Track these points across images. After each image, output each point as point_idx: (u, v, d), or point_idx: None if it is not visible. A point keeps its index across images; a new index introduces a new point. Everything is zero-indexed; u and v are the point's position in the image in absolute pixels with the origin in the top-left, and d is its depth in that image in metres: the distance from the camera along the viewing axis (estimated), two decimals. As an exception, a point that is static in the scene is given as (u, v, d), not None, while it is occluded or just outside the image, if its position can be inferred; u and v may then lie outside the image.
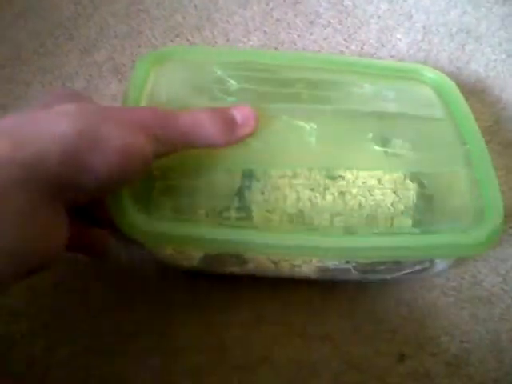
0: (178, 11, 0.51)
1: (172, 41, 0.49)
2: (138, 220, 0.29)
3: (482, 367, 0.34)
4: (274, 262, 0.34)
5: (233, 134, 0.31)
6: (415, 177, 0.37)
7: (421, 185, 0.37)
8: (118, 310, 0.36)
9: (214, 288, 0.36)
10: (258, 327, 0.35)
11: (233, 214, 0.34)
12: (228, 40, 0.50)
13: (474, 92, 0.48)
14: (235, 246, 0.31)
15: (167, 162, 0.31)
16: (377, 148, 0.37)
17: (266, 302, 0.36)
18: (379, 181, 0.37)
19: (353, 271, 0.34)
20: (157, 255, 0.35)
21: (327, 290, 0.36)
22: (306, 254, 0.32)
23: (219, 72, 0.37)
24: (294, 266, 0.34)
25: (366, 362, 0.35)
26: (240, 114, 0.32)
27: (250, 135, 0.33)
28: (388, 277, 0.36)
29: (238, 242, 0.31)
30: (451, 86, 0.40)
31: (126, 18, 0.51)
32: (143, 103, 0.34)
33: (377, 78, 0.40)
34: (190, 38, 0.50)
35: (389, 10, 0.53)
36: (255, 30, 0.51)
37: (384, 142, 0.38)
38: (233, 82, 0.37)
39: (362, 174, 0.36)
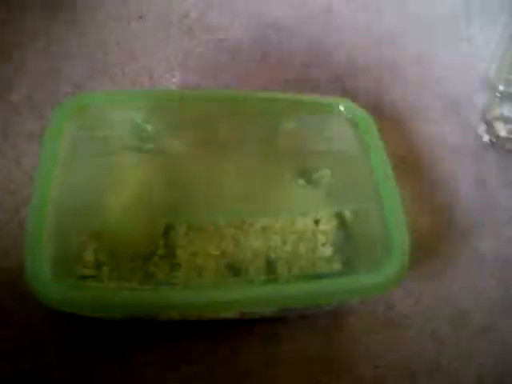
0: (100, 48, 0.52)
1: (93, 78, 0.49)
2: (52, 291, 0.28)
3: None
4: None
5: None
6: (336, 214, 0.39)
7: (341, 221, 0.39)
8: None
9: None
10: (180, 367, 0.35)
11: (157, 259, 0.35)
12: (151, 77, 0.50)
13: (389, 122, 0.50)
14: (146, 308, 0.30)
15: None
16: (299, 189, 0.40)
17: (183, 341, 0.35)
18: (301, 220, 0.38)
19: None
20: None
21: (243, 326, 0.36)
22: (225, 308, 0.31)
23: (136, 118, 0.38)
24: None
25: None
26: None
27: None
28: (308, 312, 0.37)
29: (150, 304, 0.30)
30: (367, 119, 0.41)
31: (45, 55, 0.50)
32: (59, 159, 0.33)
33: (298, 113, 0.41)
34: (111, 74, 0.50)
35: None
36: (178, 66, 0.52)
37: (307, 181, 0.41)
38: (149, 127, 0.38)
39: (283, 216, 0.38)
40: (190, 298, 0.30)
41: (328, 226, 0.38)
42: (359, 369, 0.36)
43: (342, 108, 0.41)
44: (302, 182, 0.41)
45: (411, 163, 0.47)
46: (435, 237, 0.43)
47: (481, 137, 0.50)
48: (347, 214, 0.39)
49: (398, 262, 0.32)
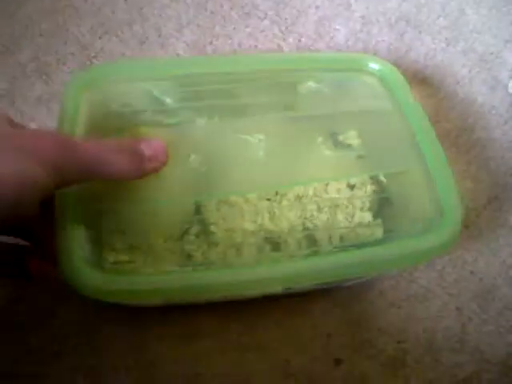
0: (107, 5, 0.49)
1: (100, 37, 0.47)
2: (89, 278, 0.27)
3: (418, 367, 0.34)
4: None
5: (139, 169, 0.30)
6: (371, 178, 0.37)
7: (378, 185, 0.37)
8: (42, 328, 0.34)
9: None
10: (192, 342, 0.34)
11: (192, 237, 0.34)
12: (160, 35, 0.48)
13: (414, 82, 0.47)
14: (194, 292, 0.29)
15: (115, 193, 0.30)
16: (328, 153, 0.37)
17: (201, 316, 0.35)
18: (334, 186, 0.36)
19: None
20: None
21: (260, 302, 0.35)
22: (271, 284, 0.30)
23: (154, 91, 0.36)
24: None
25: (302, 369, 0.34)
26: (149, 148, 0.30)
27: (159, 170, 0.31)
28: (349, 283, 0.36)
29: (197, 286, 0.28)
30: (397, 76, 0.38)
31: (51, 15, 0.48)
32: (77, 134, 0.32)
33: (322, 73, 0.38)
34: (119, 33, 0.48)
35: (327, -1, 0.52)
36: (188, 24, 0.49)
37: (335, 144, 0.38)
38: (169, 100, 0.36)
39: (316, 184, 0.36)
40: (233, 278, 0.28)
41: (363, 190, 0.36)
42: (379, 344, 0.35)
43: (369, 64, 0.39)
44: (330, 145, 0.38)
45: (436, 125, 0.45)
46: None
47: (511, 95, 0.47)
48: (383, 177, 0.37)
49: (452, 224, 0.30)
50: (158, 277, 0.29)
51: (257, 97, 0.37)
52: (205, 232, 0.34)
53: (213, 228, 0.34)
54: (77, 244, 0.27)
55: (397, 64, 0.47)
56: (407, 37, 0.50)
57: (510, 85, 0.47)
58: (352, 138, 0.39)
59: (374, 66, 0.39)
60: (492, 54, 0.49)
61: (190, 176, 0.33)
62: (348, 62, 0.39)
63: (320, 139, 0.38)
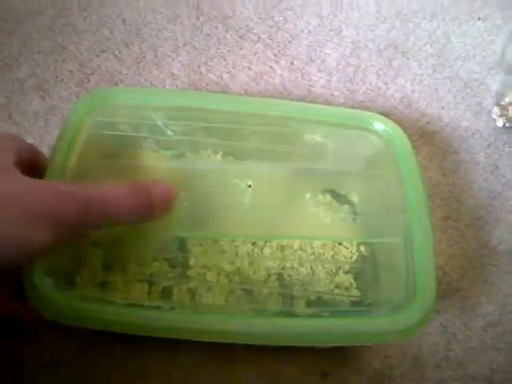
0: (106, 25, 0.50)
1: (98, 56, 0.48)
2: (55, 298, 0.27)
3: (404, 382, 0.35)
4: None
5: (148, 215, 0.29)
6: (359, 240, 0.37)
7: (365, 249, 0.37)
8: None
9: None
10: (182, 353, 0.34)
11: (166, 267, 0.34)
12: (156, 55, 0.49)
13: (401, 106, 0.49)
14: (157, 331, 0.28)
15: None
16: (314, 210, 0.37)
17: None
18: (321, 241, 0.37)
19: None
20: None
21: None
22: (234, 339, 0.29)
23: (158, 121, 0.36)
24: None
25: (290, 381, 0.34)
26: (157, 192, 0.30)
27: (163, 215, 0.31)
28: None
29: (161, 327, 0.28)
30: (403, 140, 0.37)
31: (50, 33, 0.49)
32: (75, 154, 0.32)
33: (326, 127, 0.38)
34: (117, 53, 0.49)
35: (319, 25, 0.54)
36: (184, 45, 0.50)
37: (327, 202, 0.38)
38: (170, 132, 0.36)
39: (302, 236, 0.36)
40: (190, 323, 0.28)
41: (350, 252, 0.36)
42: (366, 358, 0.35)
43: (376, 124, 0.38)
44: (326, 202, 0.38)
45: (421, 147, 0.46)
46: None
47: (495, 120, 0.48)
48: (372, 244, 0.37)
49: (420, 312, 0.29)
50: (108, 307, 0.28)
51: (260, 141, 0.37)
52: (182, 264, 0.34)
53: (191, 262, 0.34)
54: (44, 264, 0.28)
55: (385, 89, 0.49)
56: (395, 63, 0.52)
57: (493, 110, 0.48)
58: (349, 199, 0.39)
59: (380, 126, 0.38)
60: (476, 80, 0.51)
61: (177, 206, 0.32)
62: (356, 120, 0.38)
63: (316, 193, 0.38)
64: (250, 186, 0.35)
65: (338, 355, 0.35)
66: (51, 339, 0.34)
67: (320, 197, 0.38)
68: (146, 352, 0.34)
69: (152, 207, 0.29)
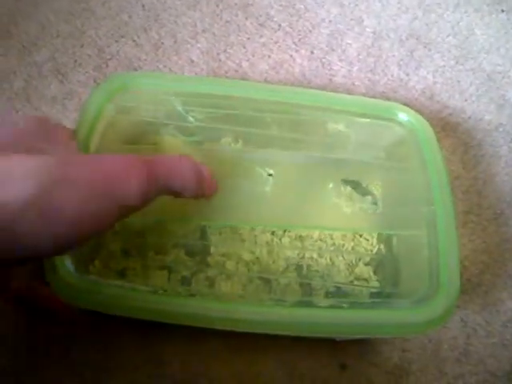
0: (125, 10, 0.50)
1: (117, 41, 0.48)
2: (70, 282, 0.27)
3: (423, 377, 0.34)
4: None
5: (201, 188, 0.29)
6: (380, 232, 0.36)
7: (385, 242, 0.36)
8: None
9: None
10: (198, 341, 0.34)
11: (184, 256, 0.34)
12: (175, 42, 0.49)
13: (423, 98, 0.48)
14: (176, 318, 0.28)
15: None
16: (336, 201, 0.37)
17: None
18: (341, 233, 0.36)
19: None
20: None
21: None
22: (253, 328, 0.28)
23: (178, 107, 0.35)
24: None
25: (308, 372, 0.34)
26: (207, 172, 0.29)
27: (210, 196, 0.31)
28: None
29: (181, 314, 0.28)
30: (428, 130, 0.36)
31: (68, 17, 0.49)
32: (95, 139, 0.31)
33: (348, 116, 0.37)
34: (135, 38, 0.48)
35: (340, 14, 0.53)
36: (203, 32, 0.50)
37: (346, 193, 0.37)
38: (191, 118, 0.35)
39: (322, 226, 0.35)
40: (210, 311, 0.28)
41: (370, 244, 0.36)
42: (384, 352, 0.35)
43: (400, 115, 0.37)
44: (348, 193, 0.37)
45: (443, 140, 0.45)
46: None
47: (518, 115, 0.47)
48: (393, 236, 0.36)
49: (444, 305, 0.29)
50: (128, 292, 0.28)
51: (281, 129, 0.36)
52: (201, 252, 0.34)
53: (211, 250, 0.34)
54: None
55: (407, 80, 0.48)
56: (417, 54, 0.51)
57: (516, 104, 0.48)
58: (371, 189, 0.38)
59: (404, 116, 0.37)
60: (500, 73, 0.50)
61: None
62: (379, 110, 0.37)
63: (338, 184, 0.37)
64: (270, 175, 0.35)
65: (356, 348, 0.35)
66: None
67: (342, 187, 0.37)
68: (162, 339, 0.34)
69: (205, 185, 0.29)
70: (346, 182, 0.38)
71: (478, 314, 0.37)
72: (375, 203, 0.37)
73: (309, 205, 0.36)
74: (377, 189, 0.38)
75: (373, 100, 0.39)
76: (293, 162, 0.36)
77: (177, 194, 0.28)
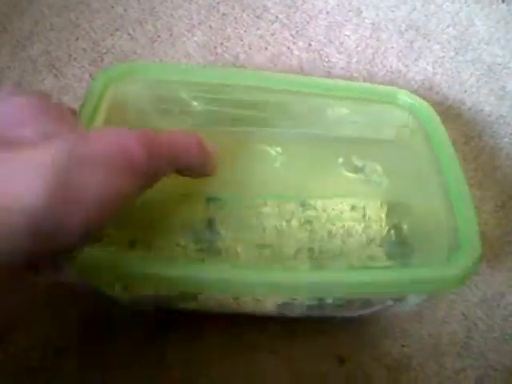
0: (119, 3, 0.49)
1: (112, 34, 0.47)
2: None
3: (422, 372, 0.34)
4: (235, 298, 0.30)
5: (211, 165, 0.28)
6: (388, 206, 0.36)
7: (394, 215, 0.36)
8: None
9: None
10: (199, 340, 0.34)
11: (192, 245, 0.32)
12: (171, 35, 0.48)
13: (422, 89, 0.47)
14: (190, 284, 0.26)
15: None
16: (347, 174, 0.36)
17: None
18: (350, 208, 0.35)
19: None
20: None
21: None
22: (269, 290, 0.27)
23: (182, 93, 0.35)
24: (258, 300, 0.30)
25: (306, 365, 0.34)
26: (212, 147, 0.28)
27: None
28: (355, 314, 0.34)
29: (194, 280, 0.26)
30: (428, 110, 0.37)
31: (62, 10, 0.48)
32: (98, 123, 0.30)
33: (350, 101, 0.37)
34: (131, 31, 0.48)
35: (338, 5, 0.52)
36: (200, 25, 0.49)
37: (355, 167, 0.37)
38: (195, 103, 0.35)
39: (331, 202, 0.35)
40: (226, 276, 0.26)
41: (379, 223, 0.35)
42: (383, 346, 0.35)
43: (401, 98, 0.37)
44: (354, 173, 0.37)
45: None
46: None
47: (518, 106, 0.47)
48: (401, 210, 0.35)
49: (469, 257, 0.28)
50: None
51: (284, 111, 0.36)
52: (209, 239, 0.33)
53: (220, 235, 0.33)
54: None
55: (406, 71, 0.47)
56: (416, 45, 0.50)
57: (517, 95, 0.47)
58: (375, 167, 0.38)
59: (406, 99, 0.37)
60: (500, 64, 0.50)
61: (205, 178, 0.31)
62: (380, 95, 0.37)
63: (340, 161, 0.36)
64: (278, 153, 0.34)
65: (355, 342, 0.34)
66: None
67: (351, 162, 0.37)
68: (164, 340, 0.33)
69: (211, 161, 0.28)
70: (354, 157, 0.37)
71: (479, 308, 0.36)
72: (384, 177, 0.37)
73: (319, 179, 0.35)
74: (384, 165, 0.37)
75: (374, 85, 0.39)
76: (300, 141, 0.36)
77: (183, 170, 0.27)
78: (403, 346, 0.34)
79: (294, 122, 0.36)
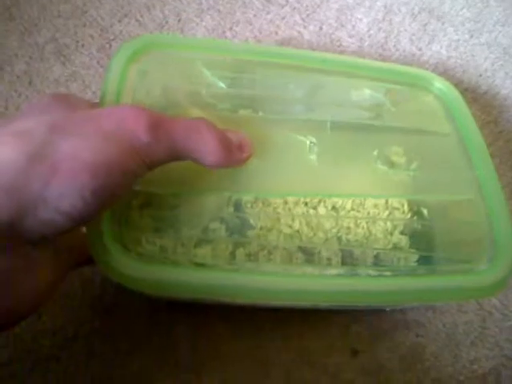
0: (127, -12, 0.48)
1: (120, 21, 0.46)
2: (118, 262, 0.25)
3: (436, 362, 0.33)
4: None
5: (228, 156, 0.27)
6: (418, 202, 0.35)
7: (422, 211, 0.35)
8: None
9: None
10: (206, 325, 0.33)
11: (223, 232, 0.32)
12: (179, 20, 0.47)
13: (436, 73, 0.46)
14: (222, 292, 0.26)
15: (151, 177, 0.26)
16: (380, 168, 0.35)
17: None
18: (371, 201, 0.35)
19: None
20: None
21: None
22: (300, 299, 0.27)
23: (207, 72, 0.33)
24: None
25: (318, 357, 0.33)
26: (236, 138, 0.28)
27: (243, 163, 0.29)
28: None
29: (226, 288, 0.26)
30: (459, 99, 0.36)
31: (70, -4, 0.47)
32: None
33: (380, 83, 0.36)
34: (139, 17, 0.47)
35: (349, -13, 0.51)
36: (208, 9, 0.48)
37: (387, 160, 0.36)
38: (222, 84, 0.33)
39: (355, 196, 0.34)
40: (260, 285, 0.26)
41: (401, 210, 0.34)
42: (399, 336, 0.34)
43: (430, 82, 0.36)
44: (379, 161, 0.35)
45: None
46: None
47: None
48: (431, 206, 0.35)
49: (504, 269, 0.27)
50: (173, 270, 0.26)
51: (311, 96, 0.35)
52: (240, 226, 0.32)
53: (252, 222, 0.32)
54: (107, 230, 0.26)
55: (419, 55, 0.46)
56: (430, 27, 0.49)
57: (534, 79, 0.46)
58: (404, 157, 0.36)
59: (435, 84, 0.36)
60: (516, 47, 0.48)
61: (238, 171, 0.30)
62: (408, 77, 0.37)
63: (370, 152, 0.35)
64: (313, 143, 0.33)
65: (368, 333, 0.34)
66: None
67: (385, 154, 0.36)
68: (171, 325, 0.33)
69: (231, 147, 0.27)
70: (388, 148, 0.36)
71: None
72: (415, 170, 0.35)
73: (356, 172, 0.34)
74: (416, 157, 0.36)
75: (402, 66, 0.38)
76: (333, 130, 0.34)
77: (199, 161, 0.26)
78: (418, 335, 0.34)
79: (327, 107, 0.35)
